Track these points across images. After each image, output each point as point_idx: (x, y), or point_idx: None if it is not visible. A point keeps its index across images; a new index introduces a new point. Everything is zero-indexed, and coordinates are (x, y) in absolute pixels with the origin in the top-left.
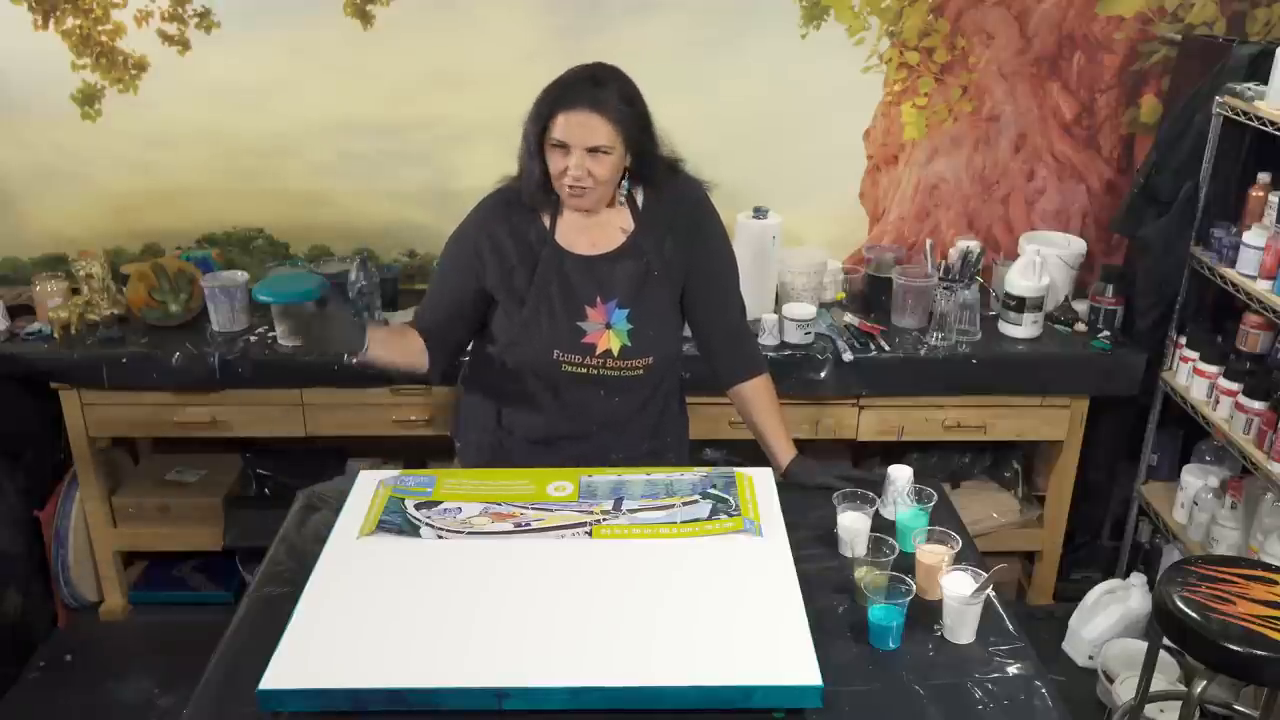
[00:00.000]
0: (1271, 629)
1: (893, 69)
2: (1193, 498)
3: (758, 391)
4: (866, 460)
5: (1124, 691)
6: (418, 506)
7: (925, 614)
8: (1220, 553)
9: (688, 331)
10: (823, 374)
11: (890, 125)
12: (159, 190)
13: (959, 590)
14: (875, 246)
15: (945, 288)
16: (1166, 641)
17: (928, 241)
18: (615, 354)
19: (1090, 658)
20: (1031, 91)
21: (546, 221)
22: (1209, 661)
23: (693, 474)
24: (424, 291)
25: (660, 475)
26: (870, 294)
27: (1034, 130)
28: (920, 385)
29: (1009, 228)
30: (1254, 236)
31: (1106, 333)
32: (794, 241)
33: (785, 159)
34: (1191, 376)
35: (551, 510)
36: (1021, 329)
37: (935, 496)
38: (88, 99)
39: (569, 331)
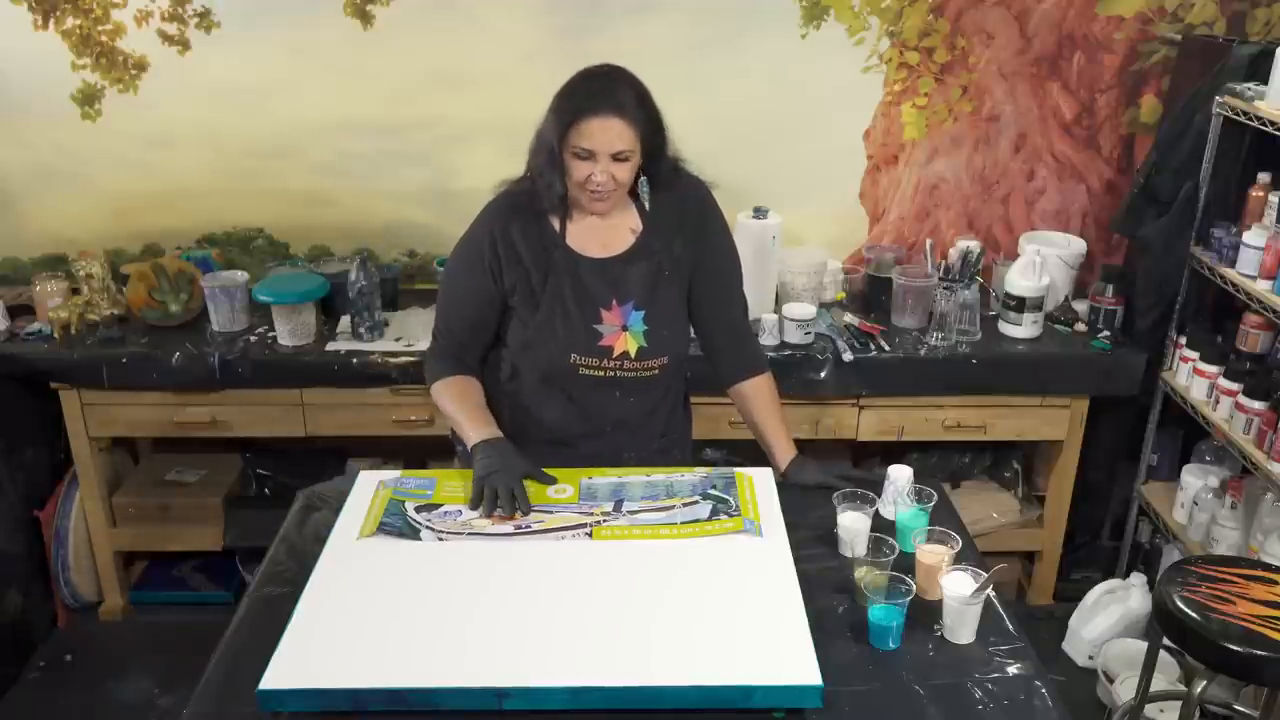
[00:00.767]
0: (1271, 629)
1: (893, 69)
2: (1193, 498)
3: (759, 390)
4: (866, 460)
5: (1124, 691)
6: (418, 509)
7: (925, 614)
8: (1220, 553)
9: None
10: (823, 374)
11: (890, 125)
12: (159, 190)
13: (959, 590)
14: (875, 246)
15: (945, 288)
16: (1166, 641)
17: (928, 241)
18: (633, 355)
19: (1090, 658)
20: (1031, 91)
21: (556, 224)
22: (1209, 661)
23: (693, 474)
24: (423, 291)
25: (660, 476)
26: (870, 294)
27: (1034, 130)
28: (920, 385)
29: (1009, 228)
30: (1254, 236)
31: (1106, 333)
32: (794, 241)
33: (785, 159)
34: (1191, 376)
35: (552, 512)
36: (1021, 329)
37: (935, 496)
38: (88, 99)
39: (586, 334)
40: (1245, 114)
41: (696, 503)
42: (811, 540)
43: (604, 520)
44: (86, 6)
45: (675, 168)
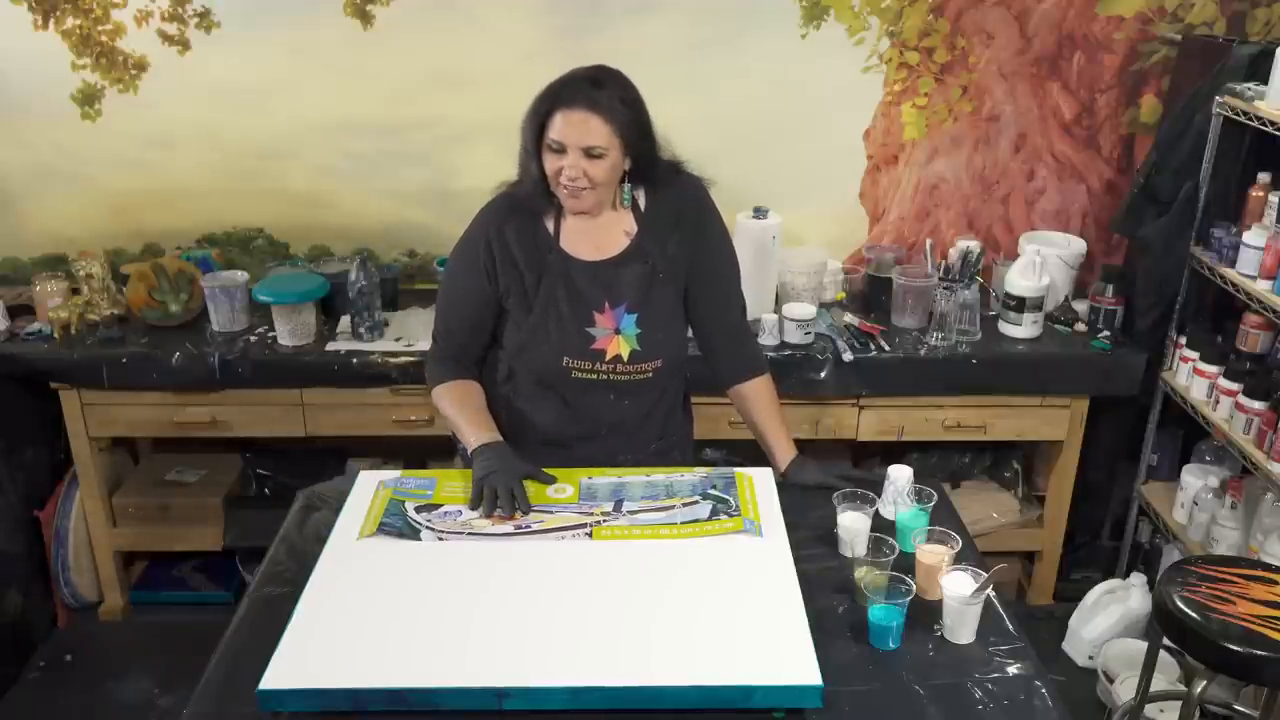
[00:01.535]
0: (1271, 629)
1: (893, 69)
2: (1193, 498)
3: (758, 391)
4: (866, 460)
5: (1124, 691)
6: (418, 509)
7: (925, 614)
8: (1220, 553)
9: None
10: (823, 374)
11: (890, 125)
12: (159, 190)
13: (959, 590)
14: (875, 246)
15: (945, 288)
16: (1166, 641)
17: (928, 241)
18: (625, 359)
19: (1090, 658)
20: (1031, 91)
21: (550, 226)
22: (1209, 661)
23: (693, 474)
24: (423, 291)
25: (660, 476)
26: (870, 294)
27: (1034, 130)
28: (920, 385)
29: (1009, 228)
30: (1254, 236)
31: (1106, 333)
32: (794, 241)
33: (785, 159)
34: (1191, 376)
35: (552, 512)
36: (1021, 329)
37: (935, 496)
38: (88, 99)
39: (578, 337)
40: (1245, 114)
41: (696, 503)
42: (811, 540)
43: (604, 520)
44: (86, 6)
45: (671, 166)
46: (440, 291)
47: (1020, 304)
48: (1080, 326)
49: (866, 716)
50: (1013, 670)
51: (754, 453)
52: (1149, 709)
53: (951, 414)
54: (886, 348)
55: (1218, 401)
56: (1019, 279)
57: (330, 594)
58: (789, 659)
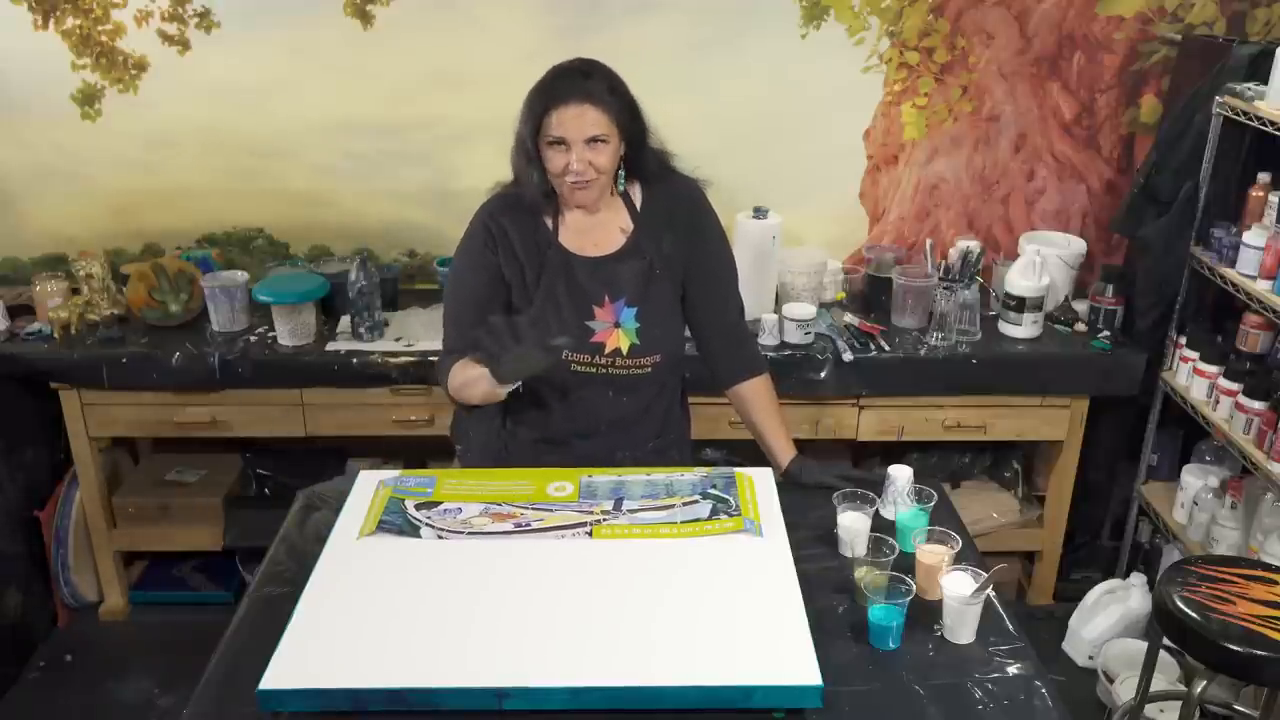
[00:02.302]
0: (1271, 629)
1: (893, 69)
2: (1193, 498)
3: (757, 392)
4: (866, 460)
5: (1124, 691)
6: (418, 507)
7: (925, 614)
8: (1220, 553)
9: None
10: (823, 374)
11: (890, 125)
12: (159, 190)
13: (959, 590)
14: (875, 246)
15: (945, 288)
16: (1166, 641)
17: (928, 241)
18: (624, 352)
19: (1090, 658)
20: (1031, 91)
21: (549, 224)
22: (1209, 661)
23: (693, 474)
24: (423, 291)
25: (660, 475)
26: (870, 294)
27: (1034, 130)
28: (920, 385)
29: (1009, 228)
30: (1254, 236)
31: (1106, 333)
32: (794, 241)
33: (785, 159)
34: (1191, 376)
35: (552, 510)
36: (1021, 329)
37: (935, 496)
38: (88, 99)
39: (578, 330)
40: (1245, 114)
41: (696, 502)
42: (811, 540)
43: (604, 519)
44: (86, 6)
45: (663, 162)
46: (447, 295)
47: (1020, 304)
48: (1080, 326)
49: (866, 716)
50: (1013, 670)
51: (754, 453)
52: (1149, 709)
53: (951, 414)
54: (886, 348)
55: (1218, 401)
56: (1019, 279)
57: (330, 594)
58: (789, 659)
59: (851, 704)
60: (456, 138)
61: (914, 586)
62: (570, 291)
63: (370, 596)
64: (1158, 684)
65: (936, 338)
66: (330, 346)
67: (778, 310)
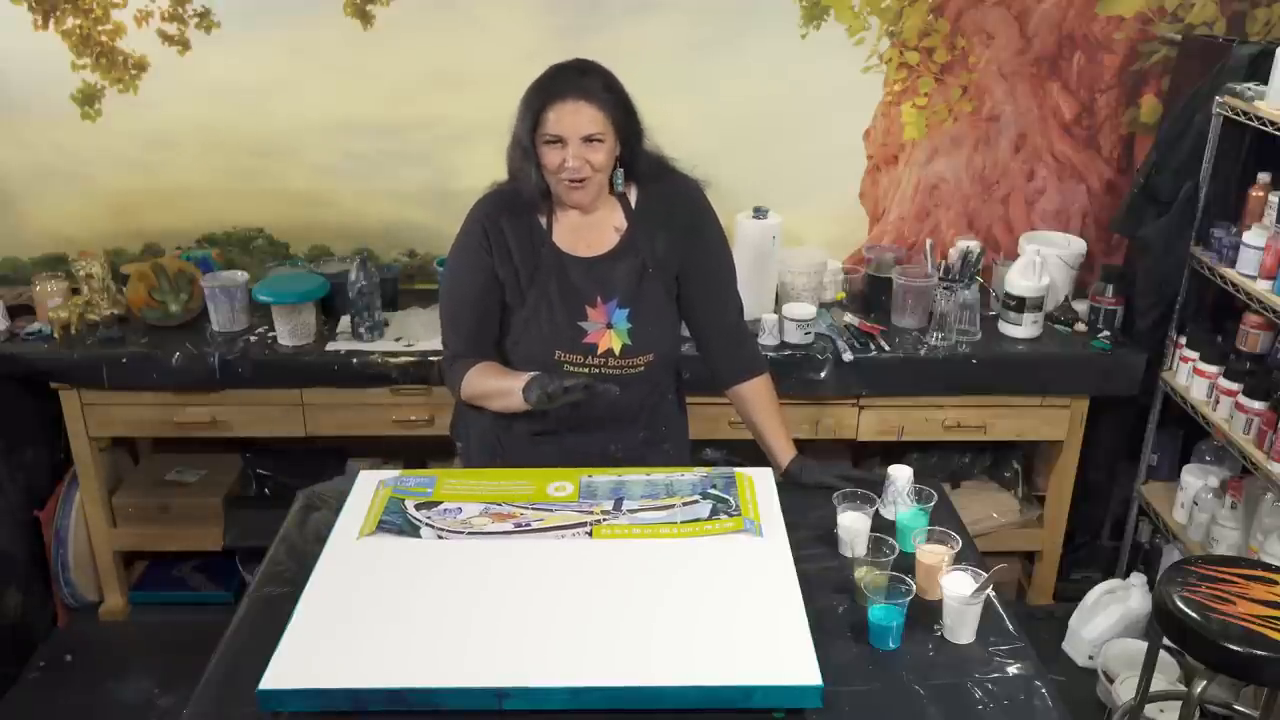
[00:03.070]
0: (1271, 629)
1: (893, 69)
2: (1193, 498)
3: (757, 392)
4: (866, 460)
5: (1124, 691)
6: (418, 507)
7: (925, 614)
8: (1220, 553)
9: (685, 331)
10: (823, 374)
11: (890, 125)
12: (159, 190)
13: (959, 590)
14: (875, 246)
15: (945, 288)
16: (1166, 641)
17: (928, 241)
18: (617, 353)
19: (1090, 658)
20: (1031, 91)
21: (543, 223)
22: (1209, 661)
23: (693, 474)
24: (423, 291)
25: (660, 475)
26: (870, 294)
27: (1034, 130)
28: (920, 385)
29: (1009, 228)
30: (1254, 236)
31: (1106, 333)
32: (794, 241)
33: (785, 159)
34: (1191, 376)
35: (552, 510)
36: (1021, 329)
37: (935, 496)
38: (88, 99)
39: (570, 331)
40: (1245, 114)
41: (696, 502)
42: (811, 540)
43: (604, 519)
44: (86, 6)
45: (659, 161)
46: (442, 294)
47: (1020, 304)
48: (1080, 326)
49: (866, 716)
50: (1013, 670)
51: (754, 453)
52: (1149, 709)
53: (951, 414)
54: (886, 348)
55: (1218, 401)
56: (1019, 279)
57: (330, 594)
58: (789, 659)
59: (851, 704)
60: (456, 138)
61: (914, 586)
62: (563, 291)
63: (370, 596)
64: (1158, 684)
65: (936, 338)
66: (330, 346)
67: (778, 310)
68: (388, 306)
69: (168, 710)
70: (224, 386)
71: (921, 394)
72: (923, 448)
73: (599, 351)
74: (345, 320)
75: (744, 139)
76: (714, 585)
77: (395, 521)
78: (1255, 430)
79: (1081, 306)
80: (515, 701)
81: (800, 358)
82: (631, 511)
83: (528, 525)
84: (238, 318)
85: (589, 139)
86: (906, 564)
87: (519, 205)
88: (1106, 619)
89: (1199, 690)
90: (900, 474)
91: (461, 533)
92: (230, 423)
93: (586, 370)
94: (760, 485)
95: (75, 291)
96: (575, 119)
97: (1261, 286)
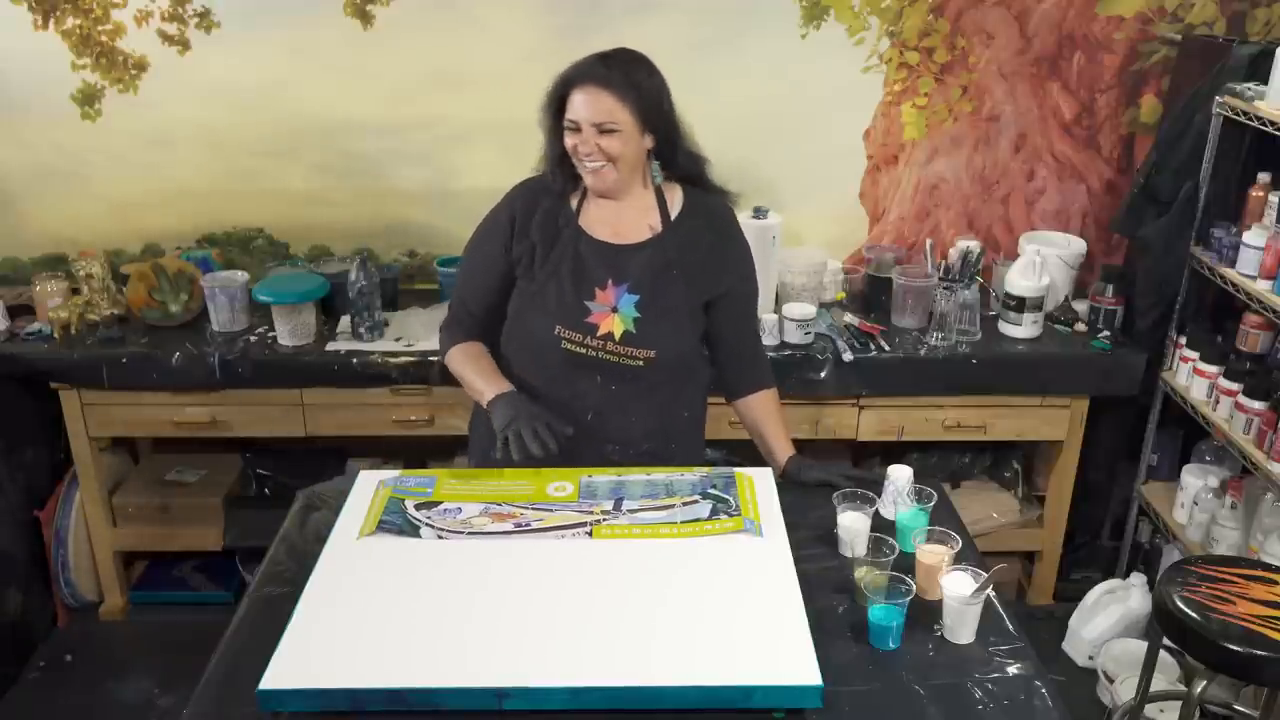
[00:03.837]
0: (1271, 629)
1: (893, 69)
2: (1193, 498)
3: (761, 401)
4: (866, 460)
5: (1124, 691)
6: (418, 507)
7: (925, 614)
8: (1220, 553)
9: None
10: (823, 374)
11: (890, 125)
12: (159, 190)
13: (959, 590)
14: (875, 246)
15: (945, 288)
16: (1166, 641)
17: (928, 241)
18: (616, 338)
19: (1090, 658)
20: (1031, 91)
21: (573, 205)
22: (1209, 661)
23: (693, 474)
24: (423, 291)
25: (660, 475)
26: (870, 294)
27: (1034, 130)
28: (920, 385)
29: (1009, 228)
30: (1254, 236)
31: (1106, 333)
32: (794, 241)
33: (785, 159)
34: (1191, 376)
35: (551, 510)
36: (1021, 329)
37: (935, 496)
38: (88, 99)
39: (576, 309)
40: (1245, 114)
41: (696, 502)
42: (811, 540)
43: (604, 519)
44: (86, 6)
45: (698, 163)
46: (461, 259)
47: (1020, 304)
48: (1080, 326)
49: (866, 716)
50: (1013, 670)
51: (754, 453)
52: (1149, 709)
53: (951, 414)
54: (886, 348)
55: (1218, 401)
56: (1019, 279)
57: (330, 594)
58: (789, 659)
59: (851, 704)
60: (456, 138)
61: (914, 586)
62: (576, 270)
63: (370, 596)
64: (1158, 684)
65: (936, 338)
66: (330, 346)
67: (778, 310)
68: (388, 306)
69: (168, 710)
70: (224, 386)
71: (921, 394)
72: (923, 448)
73: (599, 333)
74: (345, 320)
75: (744, 139)
76: (714, 585)
77: (395, 521)
78: (1255, 430)
79: (1081, 306)
80: (515, 701)
81: (800, 358)
82: (631, 511)
83: (528, 525)
84: (238, 318)
85: (602, 127)
86: (906, 564)
87: (554, 191)
88: (1106, 619)
89: (1199, 690)
90: (900, 474)
91: (461, 533)
92: (230, 423)
93: (584, 350)
94: (760, 485)
95: (75, 291)
96: (590, 107)
97: (1261, 286)
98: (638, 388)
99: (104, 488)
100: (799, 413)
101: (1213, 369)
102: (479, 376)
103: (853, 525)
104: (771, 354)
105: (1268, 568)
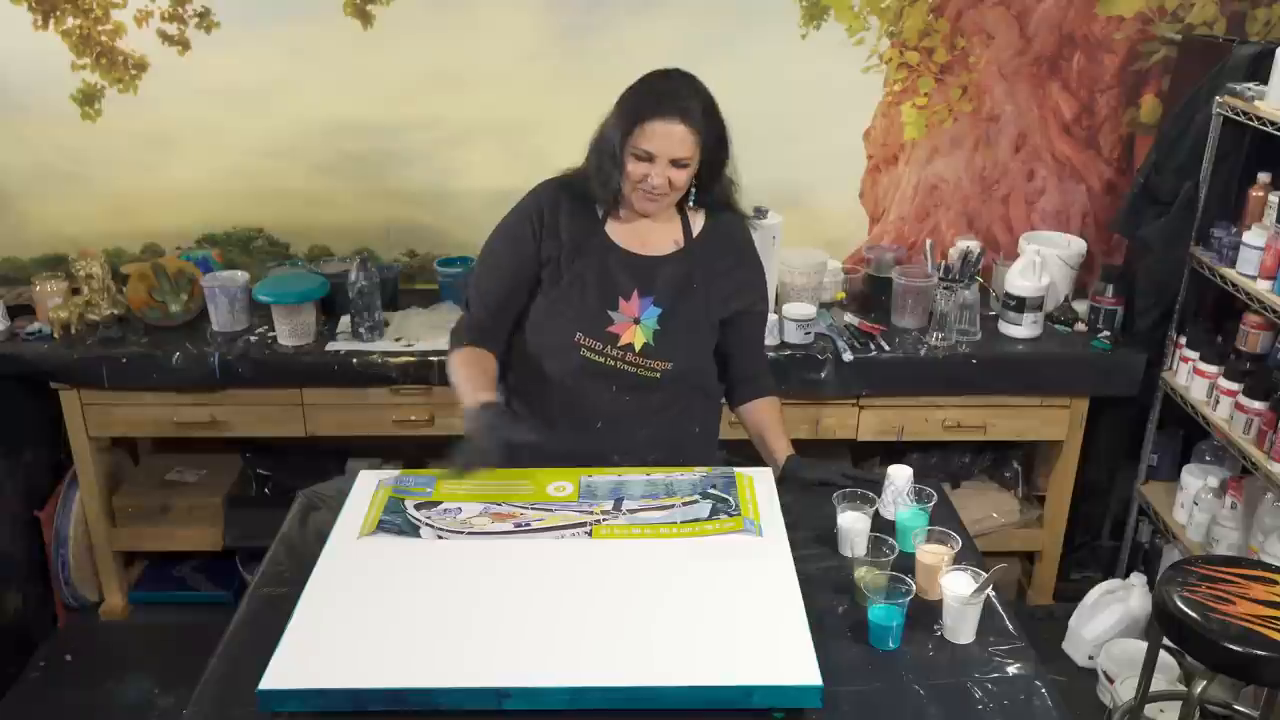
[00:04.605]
0: (1271, 629)
1: (893, 69)
2: (1193, 498)
3: (764, 407)
4: (866, 460)
5: (1124, 691)
6: (418, 506)
7: (925, 614)
8: (1220, 553)
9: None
10: (823, 374)
11: (890, 125)
12: (159, 190)
13: (959, 590)
14: (875, 246)
15: (945, 288)
16: (1166, 641)
17: (928, 241)
18: (637, 349)
19: (1090, 658)
20: (1031, 91)
21: (601, 215)
22: (1209, 661)
23: (693, 474)
24: (423, 291)
25: (660, 475)
26: (870, 294)
27: (1034, 130)
28: (920, 385)
29: (1009, 228)
30: (1254, 236)
31: (1106, 333)
32: (794, 241)
33: (785, 159)
34: (1191, 376)
35: (551, 510)
36: (1021, 329)
37: (935, 496)
38: (88, 99)
39: (598, 317)
40: (1245, 114)
41: (696, 502)
42: (811, 540)
43: (604, 519)
44: (86, 6)
45: (730, 192)
46: (478, 262)
47: (1020, 304)
48: (1080, 326)
49: (866, 716)
50: (1013, 670)
51: (754, 453)
52: (1149, 709)
53: (951, 414)
54: (886, 348)
55: (1218, 401)
56: (1019, 279)
57: (330, 594)
58: (789, 659)
59: (851, 704)
60: (456, 138)
61: (914, 586)
62: (601, 278)
63: (370, 596)
64: (1158, 684)
65: (936, 338)
66: (330, 346)
67: (778, 310)
68: (388, 306)
69: (168, 710)
70: (224, 386)
71: (921, 394)
72: (923, 448)
73: (620, 343)
74: (345, 320)
75: (744, 139)
76: (714, 585)
77: (395, 521)
78: (1255, 430)
79: (1081, 306)
80: (515, 701)
81: (800, 358)
82: (631, 511)
83: (528, 525)
84: (238, 318)
85: (679, 163)
86: (906, 564)
87: (581, 193)
88: (1106, 619)
89: (1199, 690)
90: (900, 474)
91: (461, 533)
92: (230, 423)
93: (603, 359)
94: (760, 485)
95: (75, 291)
96: (670, 140)
97: (1261, 286)
98: (650, 399)
99: (104, 488)
100: (799, 413)
101: (1213, 369)
102: (467, 381)
103: (853, 525)
104: (771, 354)
105: (1268, 568)
